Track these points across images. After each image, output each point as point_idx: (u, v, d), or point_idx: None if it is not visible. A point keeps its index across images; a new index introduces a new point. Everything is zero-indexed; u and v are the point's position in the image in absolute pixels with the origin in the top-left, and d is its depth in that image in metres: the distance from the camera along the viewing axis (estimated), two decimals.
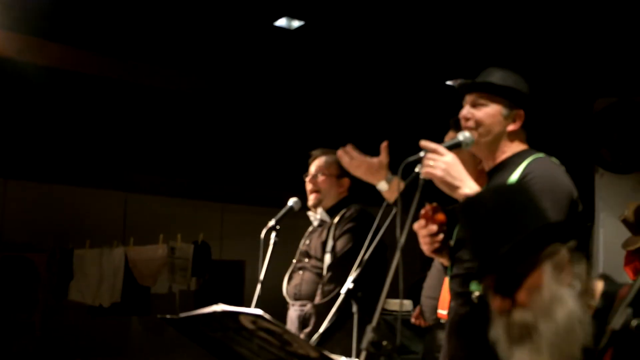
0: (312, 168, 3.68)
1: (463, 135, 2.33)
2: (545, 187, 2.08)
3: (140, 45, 5.35)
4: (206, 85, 6.17)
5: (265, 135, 7.12)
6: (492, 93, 2.32)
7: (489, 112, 2.32)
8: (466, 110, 2.35)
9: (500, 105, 2.32)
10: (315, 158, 3.71)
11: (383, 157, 2.53)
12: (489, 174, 2.35)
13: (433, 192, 2.38)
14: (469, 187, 2.16)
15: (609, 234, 5.57)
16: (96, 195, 7.95)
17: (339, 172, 3.65)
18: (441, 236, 2.30)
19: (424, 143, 2.20)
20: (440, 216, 2.30)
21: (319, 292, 3.41)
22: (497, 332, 1.58)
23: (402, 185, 2.21)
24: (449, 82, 5.97)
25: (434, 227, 2.28)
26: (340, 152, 2.63)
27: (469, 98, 2.37)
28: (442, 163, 2.17)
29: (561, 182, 2.15)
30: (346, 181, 3.67)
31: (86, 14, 4.74)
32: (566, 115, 5.91)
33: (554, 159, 2.26)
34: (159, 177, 7.76)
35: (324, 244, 3.53)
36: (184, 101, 6.41)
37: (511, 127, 2.32)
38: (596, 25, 4.76)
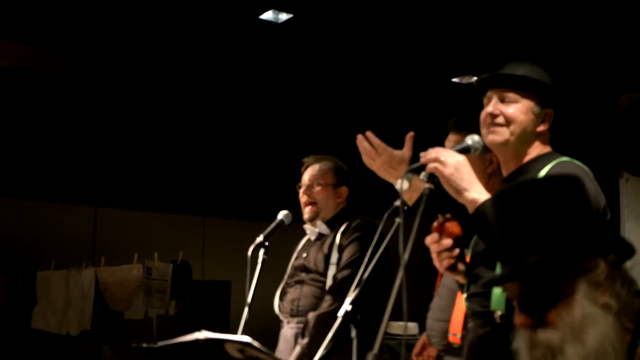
0: (306, 177, 3.68)
1: (472, 139, 2.33)
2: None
3: (113, 45, 5.36)
4: (187, 86, 6.18)
5: (251, 140, 7.13)
6: (523, 89, 2.32)
7: (521, 108, 2.32)
8: (493, 106, 2.34)
9: (532, 102, 2.32)
10: (308, 166, 3.71)
11: (407, 150, 2.46)
12: (508, 179, 2.35)
13: (441, 203, 2.38)
14: (477, 191, 2.16)
15: (635, 244, 5.59)
16: (62, 210, 7.92)
17: (336, 180, 3.65)
18: (457, 251, 2.29)
19: (424, 155, 2.20)
20: (455, 228, 2.28)
21: (324, 302, 3.42)
22: (519, 348, 1.56)
23: (424, 185, 2.17)
24: (455, 80, 6.00)
25: (448, 242, 2.27)
26: (360, 138, 2.58)
27: (493, 93, 2.36)
28: (453, 160, 2.16)
29: (589, 188, 2.15)
30: (344, 190, 3.68)
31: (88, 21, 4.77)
32: (587, 114, 5.94)
33: (579, 163, 2.25)
34: (132, 188, 7.75)
35: (327, 256, 3.54)
36: (161, 103, 6.42)
37: (541, 128, 2.32)
38: (618, 17, 4.79)
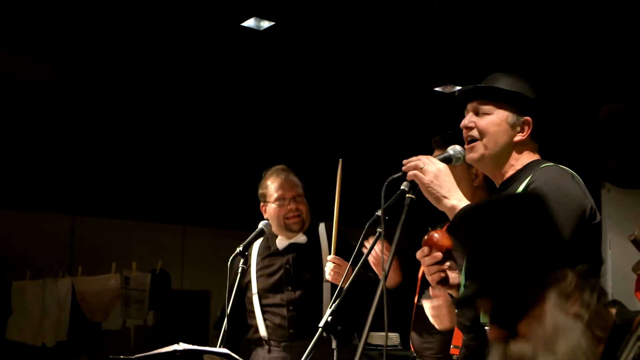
0: (291, 189, 3.67)
1: (453, 150, 2.35)
2: (550, 199, 2.09)
3: (92, 52, 5.34)
4: (167, 93, 6.17)
5: (232, 148, 7.12)
6: (497, 100, 2.33)
7: (493, 120, 2.33)
8: (468, 119, 2.36)
9: (506, 112, 2.33)
10: (285, 178, 3.70)
11: None
12: (499, 191, 2.36)
13: (422, 214, 2.40)
14: (456, 198, 2.17)
15: (617, 256, 5.63)
16: (38, 219, 7.85)
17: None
18: (446, 264, 2.29)
19: (406, 163, 2.21)
20: (445, 241, 2.28)
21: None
22: None
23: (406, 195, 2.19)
24: (437, 89, 6.03)
25: (437, 255, 2.27)
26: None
27: (470, 106, 2.38)
28: (433, 167, 2.17)
29: (570, 191, 2.15)
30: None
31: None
32: (568, 124, 5.99)
33: (563, 167, 2.26)
34: (110, 196, 7.70)
35: (318, 268, 3.52)
36: (140, 110, 6.40)
37: (519, 137, 2.33)
38: (599, 26, 4.84)
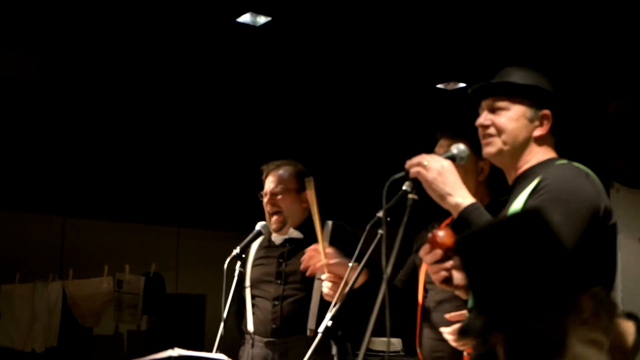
0: (268, 185, 3.69)
1: (457, 149, 2.36)
2: (558, 196, 2.08)
3: (83, 50, 5.34)
4: (161, 91, 6.17)
5: (228, 148, 7.12)
6: (513, 95, 2.34)
7: (511, 116, 2.34)
8: (483, 117, 2.37)
9: (523, 106, 2.34)
10: (268, 174, 3.71)
11: None
12: (511, 187, 2.37)
13: (425, 215, 2.40)
14: (461, 196, 2.18)
15: (627, 258, 5.63)
16: (28, 220, 7.85)
17: (298, 185, 3.67)
18: (449, 263, 2.29)
19: (409, 163, 2.21)
20: (447, 239, 2.29)
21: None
22: None
23: (409, 195, 2.19)
24: (440, 86, 6.03)
25: (437, 253, 2.27)
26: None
27: (485, 103, 2.39)
28: (437, 164, 2.18)
29: (581, 189, 2.14)
30: (307, 195, 3.69)
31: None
32: (575, 122, 5.99)
33: (578, 165, 2.26)
34: (102, 197, 7.70)
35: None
36: (133, 109, 6.40)
37: (538, 132, 2.34)
38: (607, 22, 4.85)
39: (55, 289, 7.27)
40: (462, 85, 5.97)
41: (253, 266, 3.68)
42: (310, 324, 3.47)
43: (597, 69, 5.57)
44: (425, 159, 2.20)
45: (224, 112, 6.61)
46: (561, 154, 2.40)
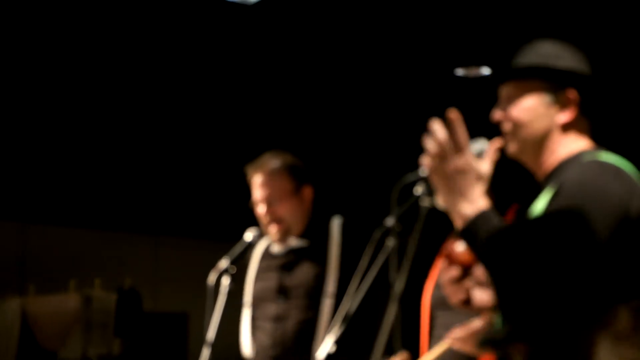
0: (259, 192, 3.62)
1: (475, 146, 2.33)
2: (577, 203, 2.07)
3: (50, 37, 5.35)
4: (136, 83, 6.18)
5: (213, 147, 7.12)
6: (527, 77, 2.32)
7: (526, 105, 2.31)
8: (497, 110, 2.35)
9: (539, 91, 2.31)
10: (255, 175, 3.63)
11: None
12: (540, 188, 2.35)
13: (440, 222, 2.38)
14: (473, 202, 2.13)
15: None
16: None
17: (295, 183, 3.61)
18: (468, 284, 2.28)
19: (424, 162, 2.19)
20: (466, 256, 2.27)
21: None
22: None
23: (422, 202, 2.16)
24: (460, 72, 6.02)
25: (453, 272, 2.26)
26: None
27: (501, 91, 2.37)
28: (463, 162, 2.13)
29: (607, 191, 2.11)
30: (307, 191, 3.65)
31: None
32: (613, 103, 5.97)
33: (609, 160, 2.23)
34: (69, 201, 7.71)
35: (318, 279, 3.50)
36: (103, 102, 6.41)
37: (564, 117, 2.30)
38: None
39: (12, 307, 7.27)
40: (487, 71, 5.97)
41: (256, 281, 3.64)
42: (319, 351, 3.43)
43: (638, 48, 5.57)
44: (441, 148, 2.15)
45: (209, 103, 6.60)
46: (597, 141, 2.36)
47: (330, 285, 3.44)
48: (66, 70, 5.93)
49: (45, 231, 8.12)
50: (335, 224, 3.58)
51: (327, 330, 3.39)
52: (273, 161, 3.57)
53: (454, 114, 2.06)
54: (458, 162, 2.09)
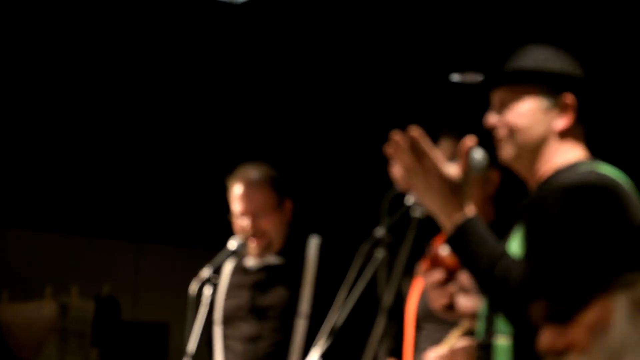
0: (241, 204, 3.59)
1: (473, 157, 2.35)
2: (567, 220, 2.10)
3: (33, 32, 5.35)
4: (119, 81, 6.18)
5: (197, 150, 7.12)
6: (522, 82, 2.33)
7: (523, 110, 2.32)
8: (491, 116, 2.36)
9: (536, 95, 2.32)
10: (235, 185, 3.61)
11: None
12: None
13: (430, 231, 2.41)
14: (455, 211, 2.15)
15: None
16: None
17: (277, 195, 3.61)
18: (451, 288, 2.30)
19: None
20: (450, 260, 2.29)
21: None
22: None
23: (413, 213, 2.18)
24: (455, 77, 6.04)
25: (436, 276, 2.28)
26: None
27: (494, 97, 2.38)
28: (435, 174, 2.15)
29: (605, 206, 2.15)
30: (288, 205, 3.65)
31: None
32: (609, 111, 6.01)
33: (605, 169, 2.24)
34: (45, 204, 7.69)
35: (292, 300, 3.49)
36: (82, 101, 6.40)
37: (561, 123, 2.31)
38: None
39: None
40: (482, 77, 5.99)
41: (227, 297, 3.62)
42: None
43: (635, 56, 5.60)
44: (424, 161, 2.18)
45: (193, 111, 6.60)
46: (594, 152, 2.37)
47: (304, 306, 3.44)
48: (49, 77, 5.93)
49: (20, 235, 8.09)
50: (313, 244, 3.58)
51: (300, 352, 3.39)
52: (254, 172, 3.56)
53: (415, 132, 2.09)
54: (432, 174, 2.12)
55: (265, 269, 3.57)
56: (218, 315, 3.59)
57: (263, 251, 3.55)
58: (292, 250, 3.58)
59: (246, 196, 3.53)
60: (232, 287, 3.61)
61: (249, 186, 3.54)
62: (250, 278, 3.59)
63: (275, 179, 3.59)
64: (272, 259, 3.56)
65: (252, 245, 3.52)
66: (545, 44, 2.39)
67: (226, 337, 3.56)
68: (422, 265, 2.32)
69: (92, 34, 5.53)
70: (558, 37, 5.15)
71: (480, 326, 2.29)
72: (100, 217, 8.05)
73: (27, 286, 7.46)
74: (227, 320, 3.57)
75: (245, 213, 3.52)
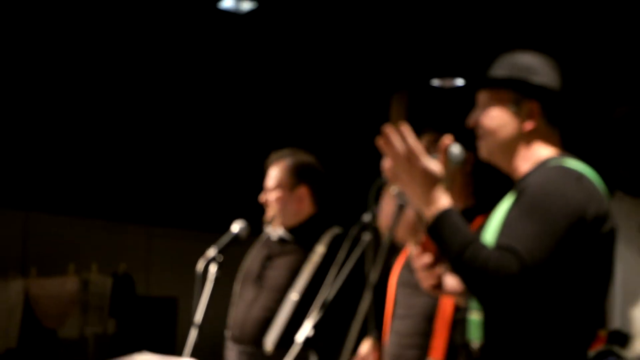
0: (267, 179, 3.65)
1: (451, 152, 2.35)
2: (536, 204, 2.10)
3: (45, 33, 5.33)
4: (132, 80, 6.16)
5: (204, 141, 7.10)
6: (494, 87, 2.34)
7: (492, 114, 2.34)
8: (471, 116, 2.38)
9: (505, 100, 2.34)
10: (268, 167, 3.67)
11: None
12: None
13: None
14: (435, 203, 2.15)
15: (627, 272, 5.66)
16: None
17: (292, 180, 3.60)
18: (438, 269, 2.30)
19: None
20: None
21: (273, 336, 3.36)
22: None
23: (397, 201, 2.19)
24: (435, 82, 6.03)
25: (426, 259, 2.28)
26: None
27: (478, 98, 2.40)
28: (420, 167, 2.16)
29: (564, 194, 2.14)
30: (303, 191, 3.64)
31: None
32: (578, 126, 6.01)
33: (572, 166, 2.25)
34: (69, 191, 7.68)
35: (293, 276, 3.48)
36: (102, 97, 6.39)
37: (528, 125, 2.32)
38: (613, 20, 4.87)
39: (16, 288, 7.25)
40: (461, 82, 5.97)
41: (249, 262, 3.65)
42: (269, 338, 3.41)
43: (605, 69, 5.59)
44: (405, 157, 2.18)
45: (203, 102, 6.59)
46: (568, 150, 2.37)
47: (300, 284, 3.44)
48: (64, 64, 5.90)
49: (46, 219, 8.10)
50: (330, 232, 3.57)
51: (284, 324, 3.38)
52: (285, 158, 3.62)
53: (404, 127, 2.10)
54: (415, 167, 2.12)
55: (279, 241, 3.58)
56: (240, 275, 3.62)
57: (269, 220, 3.57)
58: (307, 233, 3.57)
59: (269, 173, 3.60)
60: (256, 253, 3.64)
61: (273, 165, 3.61)
62: (266, 248, 3.61)
63: (297, 164, 3.61)
64: (285, 234, 3.57)
65: (266, 214, 3.58)
66: (526, 51, 2.40)
67: (238, 296, 3.59)
68: (413, 251, 2.31)
69: (110, 35, 5.51)
70: (538, 44, 5.15)
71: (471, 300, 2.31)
72: (118, 203, 8.06)
73: (52, 264, 7.48)
74: (242, 281, 3.60)
75: (265, 187, 3.59)
